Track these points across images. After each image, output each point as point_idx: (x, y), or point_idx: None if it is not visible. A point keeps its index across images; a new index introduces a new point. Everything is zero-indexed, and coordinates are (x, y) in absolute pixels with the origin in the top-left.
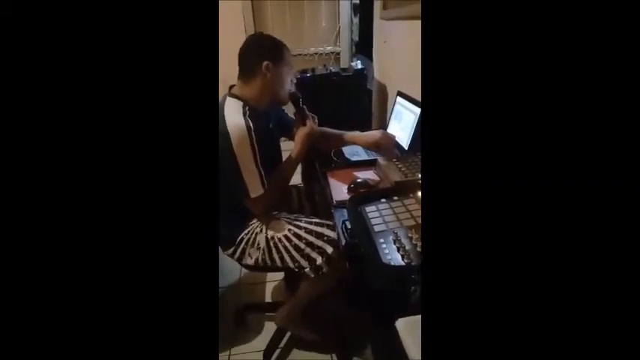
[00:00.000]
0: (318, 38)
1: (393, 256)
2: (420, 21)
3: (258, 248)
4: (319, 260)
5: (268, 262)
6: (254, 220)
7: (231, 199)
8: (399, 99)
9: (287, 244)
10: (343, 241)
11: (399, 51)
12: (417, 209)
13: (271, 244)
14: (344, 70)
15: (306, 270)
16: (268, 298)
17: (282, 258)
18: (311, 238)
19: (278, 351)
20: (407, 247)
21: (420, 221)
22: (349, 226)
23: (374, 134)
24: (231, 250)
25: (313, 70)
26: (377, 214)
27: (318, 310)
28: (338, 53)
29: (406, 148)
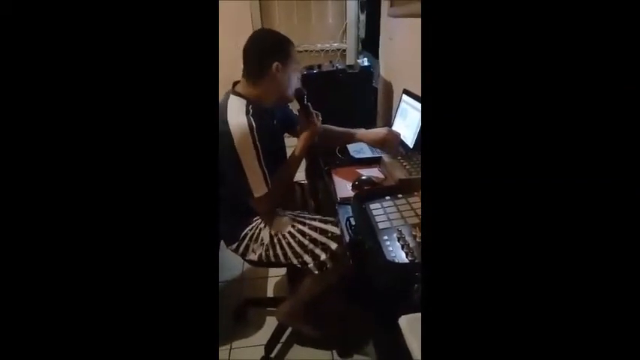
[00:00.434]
0: (325, 35)
1: (396, 253)
2: None
3: (262, 244)
4: (323, 256)
5: (272, 258)
6: (258, 217)
7: (234, 196)
8: (404, 97)
9: (291, 240)
10: (347, 238)
11: (405, 48)
12: (420, 207)
13: (275, 240)
14: (350, 67)
15: (310, 266)
16: (270, 293)
17: (285, 254)
18: (315, 235)
19: (279, 346)
20: (411, 245)
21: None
22: (353, 223)
23: (379, 132)
24: (234, 246)
25: (319, 66)
26: (381, 211)
27: (320, 306)
28: (344, 50)
29: (411, 146)
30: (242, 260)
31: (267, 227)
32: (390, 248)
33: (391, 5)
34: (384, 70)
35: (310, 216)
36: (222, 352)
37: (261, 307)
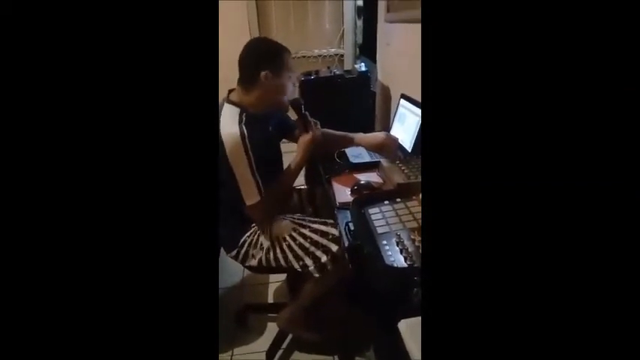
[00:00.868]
0: (322, 40)
1: (395, 257)
2: None
3: (262, 249)
4: (324, 258)
5: (272, 262)
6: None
7: (232, 203)
8: (402, 101)
9: (291, 242)
10: (346, 243)
11: (403, 53)
12: (419, 211)
13: (275, 243)
14: (347, 72)
15: (311, 269)
16: (271, 299)
17: (286, 257)
18: (316, 237)
19: (280, 352)
20: (409, 249)
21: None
22: (352, 228)
23: (377, 136)
24: (234, 253)
25: (317, 72)
26: (380, 216)
27: (320, 311)
28: (342, 55)
29: (409, 151)
30: (242, 267)
31: (266, 232)
32: (389, 253)
33: (388, 11)
34: (382, 75)
35: (310, 218)
36: (224, 358)
37: (262, 313)
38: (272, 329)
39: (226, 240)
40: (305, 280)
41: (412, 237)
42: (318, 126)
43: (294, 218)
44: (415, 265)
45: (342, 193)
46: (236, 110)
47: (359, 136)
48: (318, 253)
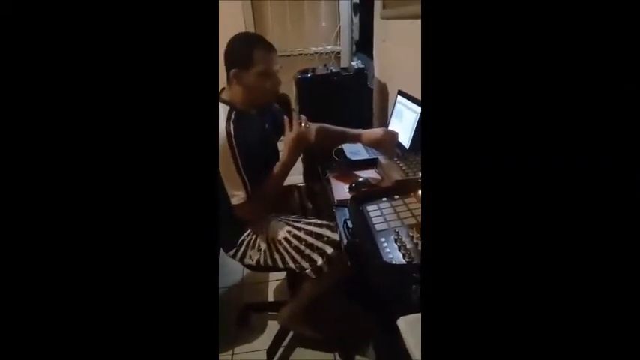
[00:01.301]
0: (319, 38)
1: (394, 254)
2: (419, 20)
3: (259, 250)
4: (320, 261)
5: (269, 262)
6: None
7: (230, 202)
8: (399, 98)
9: (287, 245)
10: (345, 241)
11: (400, 50)
12: (418, 208)
13: (271, 245)
14: (344, 69)
15: (307, 271)
16: (271, 297)
17: (283, 259)
18: (311, 240)
19: (281, 350)
20: (408, 246)
21: (421, 220)
22: (351, 226)
23: (376, 132)
24: (232, 252)
25: (314, 69)
26: (378, 213)
27: (320, 309)
28: (338, 53)
29: (407, 147)
30: (242, 266)
31: (263, 233)
32: (388, 250)
33: (384, 7)
34: (379, 71)
35: (305, 220)
36: (225, 357)
37: (263, 312)
38: (272, 327)
39: (225, 239)
40: (304, 279)
41: (410, 234)
42: (307, 123)
43: (289, 220)
44: (413, 262)
45: (341, 191)
46: (225, 108)
47: (357, 132)
48: (314, 255)
